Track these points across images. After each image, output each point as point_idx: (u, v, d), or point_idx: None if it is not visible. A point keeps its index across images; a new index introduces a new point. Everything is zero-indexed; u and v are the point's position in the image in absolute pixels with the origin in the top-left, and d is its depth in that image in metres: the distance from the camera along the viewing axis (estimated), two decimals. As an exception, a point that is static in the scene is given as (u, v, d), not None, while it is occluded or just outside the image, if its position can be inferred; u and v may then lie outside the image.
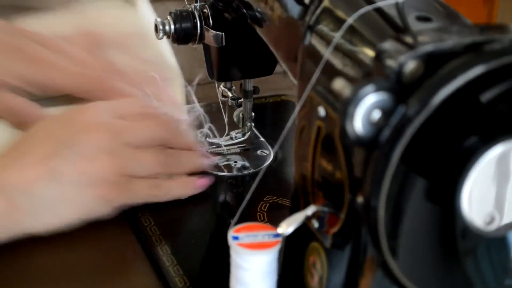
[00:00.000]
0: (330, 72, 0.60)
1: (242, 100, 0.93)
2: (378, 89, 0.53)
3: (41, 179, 0.75)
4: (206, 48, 0.90)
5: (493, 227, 0.54)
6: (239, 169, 0.91)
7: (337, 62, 0.61)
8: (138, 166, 0.80)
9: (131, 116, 0.82)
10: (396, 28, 0.59)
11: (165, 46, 0.96)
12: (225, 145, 0.94)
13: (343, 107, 0.53)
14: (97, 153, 0.78)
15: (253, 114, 0.94)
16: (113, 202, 0.79)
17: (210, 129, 0.94)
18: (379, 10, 0.61)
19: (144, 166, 0.81)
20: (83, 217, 0.78)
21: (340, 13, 0.63)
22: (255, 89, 0.92)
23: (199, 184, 0.85)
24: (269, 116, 1.05)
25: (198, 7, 0.87)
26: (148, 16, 0.92)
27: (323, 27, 0.64)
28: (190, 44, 0.88)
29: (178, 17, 0.86)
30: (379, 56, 0.56)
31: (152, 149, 0.82)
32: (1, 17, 1.04)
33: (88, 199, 0.78)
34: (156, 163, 0.81)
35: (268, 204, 0.85)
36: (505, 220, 0.54)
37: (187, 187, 0.84)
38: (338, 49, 0.61)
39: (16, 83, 0.84)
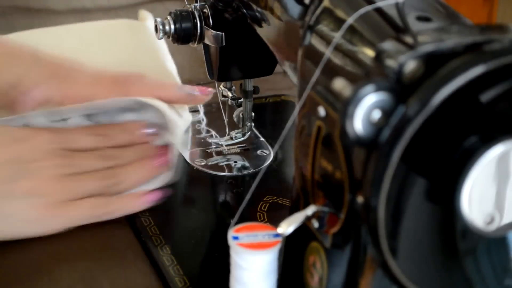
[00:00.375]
0: (330, 72, 0.61)
1: (242, 100, 0.93)
2: (378, 89, 0.53)
3: None
4: (206, 48, 0.90)
5: (493, 227, 0.54)
6: (239, 169, 0.91)
7: (337, 62, 0.61)
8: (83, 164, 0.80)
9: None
10: (396, 28, 0.59)
11: (170, 64, 0.96)
12: (225, 145, 0.94)
13: (343, 107, 0.53)
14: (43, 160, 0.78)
15: (253, 114, 0.94)
16: (53, 221, 0.78)
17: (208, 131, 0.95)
18: (379, 10, 0.61)
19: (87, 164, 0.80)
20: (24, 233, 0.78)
21: (340, 13, 0.63)
22: (255, 89, 0.92)
23: (147, 199, 0.82)
24: (269, 116, 1.05)
25: (198, 7, 0.87)
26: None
27: (323, 27, 0.64)
28: (190, 44, 0.88)
29: (178, 17, 0.86)
30: (379, 56, 0.56)
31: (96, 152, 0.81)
32: (1, 17, 1.04)
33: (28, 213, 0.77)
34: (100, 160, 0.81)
35: (268, 204, 0.85)
36: (505, 220, 0.54)
37: (135, 202, 0.82)
38: (338, 49, 0.61)
39: None
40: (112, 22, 0.95)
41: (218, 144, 0.94)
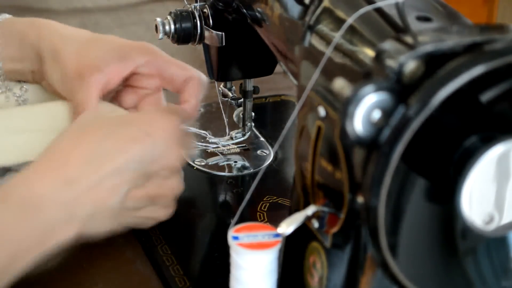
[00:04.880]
0: (330, 72, 0.61)
1: (242, 100, 0.93)
2: (378, 89, 0.53)
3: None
4: (206, 48, 0.90)
5: (492, 226, 0.54)
6: (239, 169, 0.91)
7: (337, 62, 0.61)
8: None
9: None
10: (396, 28, 0.59)
11: None
12: (225, 145, 0.94)
13: (343, 107, 0.53)
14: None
15: (253, 114, 0.94)
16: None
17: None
18: (379, 10, 0.61)
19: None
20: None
21: (340, 13, 0.63)
22: (255, 89, 0.92)
23: None
24: (269, 116, 1.05)
25: (198, 7, 0.87)
26: None
27: (323, 27, 0.64)
28: (190, 44, 0.88)
29: (178, 17, 0.86)
30: (379, 56, 0.56)
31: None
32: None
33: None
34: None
35: (268, 204, 0.85)
36: (505, 220, 0.54)
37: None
38: (338, 49, 0.61)
39: None
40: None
41: (218, 144, 0.94)
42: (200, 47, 0.91)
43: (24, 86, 0.91)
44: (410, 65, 0.54)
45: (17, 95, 0.90)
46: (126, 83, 0.87)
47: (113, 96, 0.87)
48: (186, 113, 0.83)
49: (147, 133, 0.72)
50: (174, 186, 0.75)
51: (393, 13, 0.60)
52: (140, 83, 0.87)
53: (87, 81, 0.83)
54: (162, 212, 0.75)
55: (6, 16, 0.89)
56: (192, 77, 0.84)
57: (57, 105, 0.86)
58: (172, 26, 0.86)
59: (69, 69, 0.84)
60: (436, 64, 0.53)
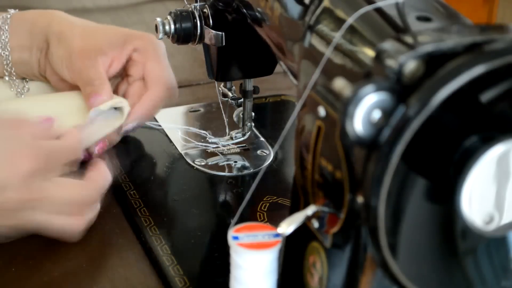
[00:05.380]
0: (330, 72, 0.61)
1: (242, 100, 0.93)
2: (378, 89, 0.53)
3: None
4: (206, 48, 0.90)
5: (492, 226, 0.54)
6: (239, 169, 0.91)
7: (337, 62, 0.61)
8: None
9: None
10: (396, 28, 0.59)
11: None
12: (225, 145, 0.94)
13: (343, 107, 0.53)
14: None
15: (253, 114, 0.94)
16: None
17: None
18: (379, 10, 0.61)
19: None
20: None
21: (340, 13, 0.63)
22: (255, 89, 0.92)
23: None
24: (269, 116, 1.05)
25: (198, 7, 0.87)
26: None
27: (323, 27, 0.64)
28: (190, 44, 0.88)
29: (178, 17, 0.86)
30: (379, 56, 0.56)
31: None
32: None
33: None
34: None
35: (268, 204, 0.85)
36: (505, 220, 0.54)
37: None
38: (338, 49, 0.61)
39: None
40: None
41: (218, 144, 0.94)
42: (200, 47, 0.91)
43: (26, 86, 0.91)
44: (410, 65, 0.54)
45: (19, 90, 0.90)
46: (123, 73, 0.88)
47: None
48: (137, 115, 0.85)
49: None
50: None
51: (393, 13, 0.60)
52: (131, 70, 0.88)
53: (94, 61, 0.84)
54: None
55: (17, 11, 0.90)
56: (162, 83, 0.87)
57: (67, 93, 0.87)
58: (172, 26, 0.86)
59: (75, 48, 0.86)
60: (436, 64, 0.53)
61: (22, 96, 0.91)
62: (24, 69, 0.90)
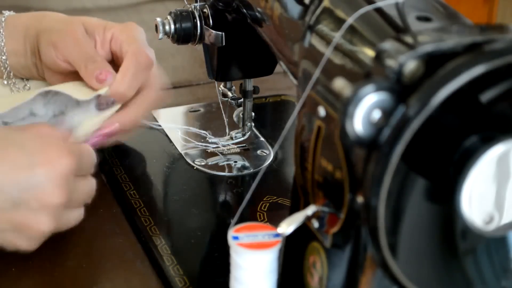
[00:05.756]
0: (330, 72, 0.61)
1: (242, 100, 0.93)
2: (378, 89, 0.53)
3: None
4: (206, 48, 0.90)
5: (492, 226, 0.54)
6: (239, 169, 0.91)
7: (337, 62, 0.61)
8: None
9: None
10: (396, 28, 0.59)
11: None
12: (225, 145, 0.94)
13: (343, 107, 0.53)
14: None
15: (253, 114, 0.94)
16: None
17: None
18: (379, 10, 0.61)
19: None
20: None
21: (340, 13, 0.63)
22: (255, 89, 0.92)
23: None
24: (269, 116, 1.05)
25: (198, 7, 0.87)
26: None
27: (323, 27, 0.64)
28: (190, 44, 0.88)
29: (178, 17, 0.86)
30: (379, 56, 0.56)
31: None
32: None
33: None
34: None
35: (268, 204, 0.85)
36: (505, 220, 0.54)
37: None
38: (338, 49, 0.61)
39: None
40: None
41: (218, 144, 0.94)
42: (200, 47, 0.91)
43: (28, 84, 0.91)
44: (410, 65, 0.54)
45: (19, 88, 0.90)
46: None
47: None
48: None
49: (31, 164, 0.70)
50: (41, 222, 0.71)
51: (393, 13, 0.60)
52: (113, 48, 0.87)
53: (87, 38, 0.84)
54: (24, 242, 0.72)
55: (12, 13, 0.90)
56: (134, 53, 0.84)
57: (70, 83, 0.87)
58: (172, 26, 0.86)
59: (67, 30, 0.85)
60: (436, 64, 0.53)
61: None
62: (23, 72, 0.89)
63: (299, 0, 0.68)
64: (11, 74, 0.89)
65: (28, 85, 0.91)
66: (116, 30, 0.86)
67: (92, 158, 0.77)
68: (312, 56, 0.65)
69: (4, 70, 0.89)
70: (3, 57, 0.88)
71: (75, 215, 0.76)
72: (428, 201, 0.55)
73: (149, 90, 0.86)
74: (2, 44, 0.88)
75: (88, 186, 0.76)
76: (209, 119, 0.99)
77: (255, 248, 0.61)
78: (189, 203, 0.86)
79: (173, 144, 0.94)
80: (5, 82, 0.90)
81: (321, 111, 0.59)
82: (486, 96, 0.53)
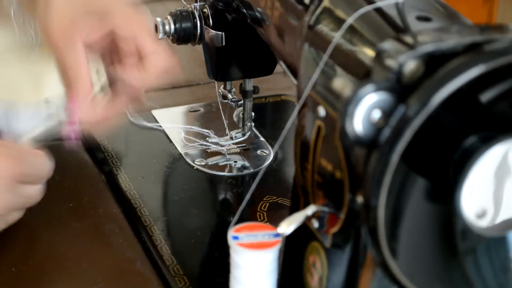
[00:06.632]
0: (330, 72, 0.61)
1: (242, 101, 0.93)
2: (378, 89, 0.53)
3: None
4: (206, 48, 0.90)
5: (490, 224, 0.54)
6: (239, 169, 0.91)
7: (337, 62, 0.61)
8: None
9: None
10: (396, 28, 0.59)
11: None
12: (225, 145, 0.94)
13: (343, 107, 0.53)
14: None
15: (253, 114, 0.94)
16: None
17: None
18: (379, 10, 0.61)
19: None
20: None
21: (340, 13, 0.63)
22: (255, 89, 0.92)
23: None
24: (269, 116, 1.05)
25: (198, 7, 0.87)
26: None
27: (323, 27, 0.64)
28: (190, 44, 0.88)
29: (178, 17, 0.86)
30: (379, 56, 0.56)
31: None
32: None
33: None
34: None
35: (268, 204, 0.85)
36: (502, 218, 0.54)
37: None
38: (338, 49, 0.61)
39: None
40: None
41: (218, 144, 0.94)
42: (200, 47, 0.91)
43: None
44: (410, 65, 0.54)
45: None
46: (110, 43, 0.86)
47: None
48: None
49: None
50: None
51: (393, 13, 0.60)
52: (120, 43, 0.86)
53: (70, 34, 0.82)
54: None
55: None
56: (158, 52, 0.82)
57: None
58: (172, 26, 0.86)
59: (52, 16, 0.82)
60: (436, 64, 0.53)
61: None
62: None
63: (299, 0, 0.68)
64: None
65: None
66: (121, 21, 0.84)
67: (42, 164, 0.77)
68: (312, 56, 0.64)
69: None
70: None
71: (13, 217, 0.77)
72: (428, 201, 0.55)
73: (160, 55, 0.84)
74: None
75: (33, 192, 0.77)
76: (209, 119, 0.99)
77: (255, 248, 0.61)
78: (189, 203, 0.86)
79: (173, 144, 0.94)
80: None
81: (321, 111, 0.59)
82: (486, 96, 0.53)
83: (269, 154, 0.94)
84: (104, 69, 0.84)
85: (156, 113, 1.00)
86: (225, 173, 0.90)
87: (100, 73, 0.85)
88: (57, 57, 0.82)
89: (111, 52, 0.85)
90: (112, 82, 0.84)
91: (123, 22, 0.83)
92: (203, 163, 0.91)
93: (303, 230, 0.62)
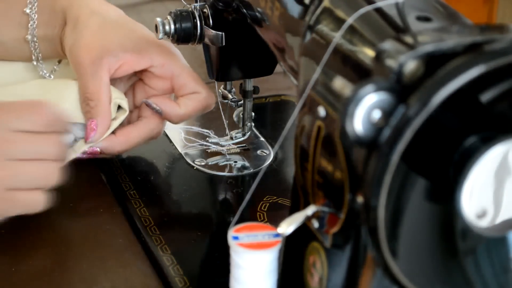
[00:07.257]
0: (330, 72, 0.61)
1: (242, 101, 0.93)
2: (378, 89, 0.53)
3: None
4: (206, 48, 0.90)
5: (490, 224, 0.54)
6: (239, 169, 0.91)
7: (337, 62, 0.61)
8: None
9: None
10: (396, 28, 0.59)
11: None
12: (225, 145, 0.94)
13: (343, 107, 0.53)
14: None
15: (253, 114, 0.94)
16: None
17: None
18: (379, 10, 0.61)
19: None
20: None
21: (340, 13, 0.63)
22: (255, 89, 0.92)
23: None
24: (269, 116, 1.05)
25: (198, 7, 0.87)
26: None
27: (323, 27, 0.64)
28: (190, 44, 0.88)
29: (178, 17, 0.86)
30: (379, 56, 0.56)
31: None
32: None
33: None
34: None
35: (268, 204, 0.85)
36: (503, 218, 0.54)
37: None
38: (338, 49, 0.61)
39: None
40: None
41: (218, 144, 0.94)
42: (200, 47, 0.91)
43: (55, 67, 0.91)
44: (410, 65, 0.54)
45: (46, 73, 0.90)
46: (139, 78, 0.87)
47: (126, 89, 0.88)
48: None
49: None
50: None
51: (393, 13, 0.60)
52: (151, 82, 0.88)
53: (98, 64, 0.83)
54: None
55: None
56: (200, 92, 0.87)
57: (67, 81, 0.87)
58: (172, 26, 0.86)
59: (82, 43, 0.85)
60: (436, 64, 0.53)
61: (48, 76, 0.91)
62: (48, 45, 0.89)
63: (299, 0, 0.68)
64: (40, 55, 0.89)
65: (56, 68, 0.91)
66: (159, 62, 0.87)
67: (45, 112, 0.76)
68: (312, 56, 0.65)
69: (34, 51, 0.89)
70: (34, 37, 0.88)
71: (33, 198, 0.75)
72: (428, 201, 0.55)
73: (201, 95, 0.88)
74: (34, 26, 0.88)
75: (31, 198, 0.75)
76: (209, 119, 0.99)
77: (255, 248, 0.61)
78: (189, 203, 0.86)
79: (173, 144, 0.94)
80: (34, 63, 0.90)
81: (321, 111, 0.59)
82: (486, 96, 0.53)
83: (269, 154, 0.94)
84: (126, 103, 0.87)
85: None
86: (225, 173, 0.90)
87: (121, 109, 0.87)
88: (81, 83, 0.84)
89: (134, 87, 0.89)
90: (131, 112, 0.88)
91: (162, 62, 0.85)
92: (203, 163, 0.91)
93: (303, 230, 0.62)
